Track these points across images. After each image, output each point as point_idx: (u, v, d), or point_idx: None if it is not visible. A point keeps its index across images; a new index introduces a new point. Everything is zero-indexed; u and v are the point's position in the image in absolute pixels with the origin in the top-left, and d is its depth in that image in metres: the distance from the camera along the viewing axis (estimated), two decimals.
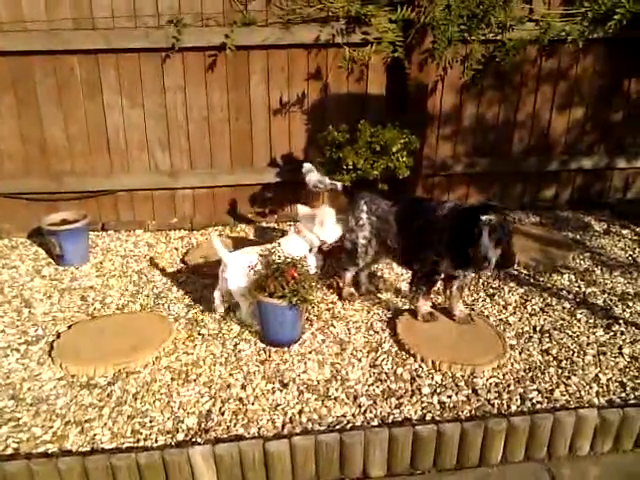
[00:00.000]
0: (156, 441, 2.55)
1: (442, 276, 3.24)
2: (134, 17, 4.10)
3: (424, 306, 3.30)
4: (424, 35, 4.17)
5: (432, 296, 3.38)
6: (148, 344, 3.10)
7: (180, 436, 2.58)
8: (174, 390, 2.84)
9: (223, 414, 2.69)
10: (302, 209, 3.57)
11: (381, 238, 3.40)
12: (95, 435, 2.58)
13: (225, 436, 2.57)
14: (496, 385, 2.88)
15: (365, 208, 3.41)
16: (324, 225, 3.44)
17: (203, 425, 2.63)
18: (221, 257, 3.29)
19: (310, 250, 3.46)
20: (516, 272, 3.79)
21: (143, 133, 4.37)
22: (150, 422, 2.65)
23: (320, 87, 4.43)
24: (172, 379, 2.91)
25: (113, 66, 4.20)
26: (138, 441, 2.55)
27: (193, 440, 2.55)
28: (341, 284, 3.61)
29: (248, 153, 4.52)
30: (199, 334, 3.24)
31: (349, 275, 3.58)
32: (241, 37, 4.12)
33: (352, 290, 3.59)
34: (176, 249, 4.20)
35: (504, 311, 3.47)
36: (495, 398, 2.80)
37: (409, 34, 4.11)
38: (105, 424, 2.64)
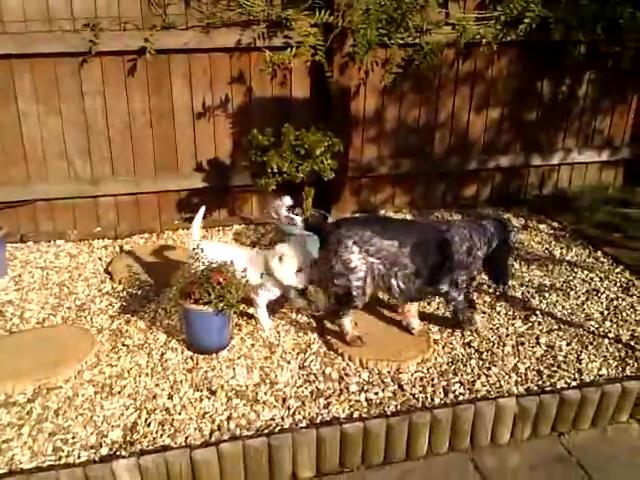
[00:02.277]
0: (79, 457, 2.48)
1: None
2: (48, 21, 3.97)
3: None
4: (344, 39, 4.23)
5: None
6: (70, 358, 3.01)
7: (104, 450, 2.51)
8: (98, 404, 2.76)
9: (149, 425, 2.64)
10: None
11: (381, 279, 3.05)
12: (14, 455, 2.48)
13: (151, 447, 2.52)
14: (421, 379, 2.96)
15: (356, 249, 2.97)
16: (282, 263, 3.15)
17: (128, 438, 2.57)
18: (191, 241, 3.30)
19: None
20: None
21: (61, 140, 4.24)
22: (72, 438, 2.57)
23: (244, 91, 4.42)
24: (95, 392, 2.83)
25: (27, 72, 4.05)
26: (60, 458, 2.47)
27: (118, 454, 2.49)
28: (344, 331, 3.17)
29: (173, 158, 4.45)
30: (124, 345, 3.16)
31: (348, 320, 3.16)
32: (161, 41, 4.06)
33: (357, 333, 3.17)
34: (100, 259, 4.08)
35: (428, 307, 3.56)
36: (420, 392, 2.87)
37: (330, 38, 4.17)
38: (25, 443, 2.54)
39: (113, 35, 4.03)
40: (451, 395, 2.85)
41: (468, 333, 3.31)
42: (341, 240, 2.98)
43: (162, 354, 3.10)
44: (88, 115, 4.23)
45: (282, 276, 3.18)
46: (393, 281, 3.04)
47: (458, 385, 2.92)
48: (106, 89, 4.20)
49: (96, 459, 2.46)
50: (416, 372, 3.01)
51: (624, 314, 3.54)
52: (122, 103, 4.25)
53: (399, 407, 2.78)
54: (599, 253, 4.25)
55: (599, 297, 3.71)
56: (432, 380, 2.96)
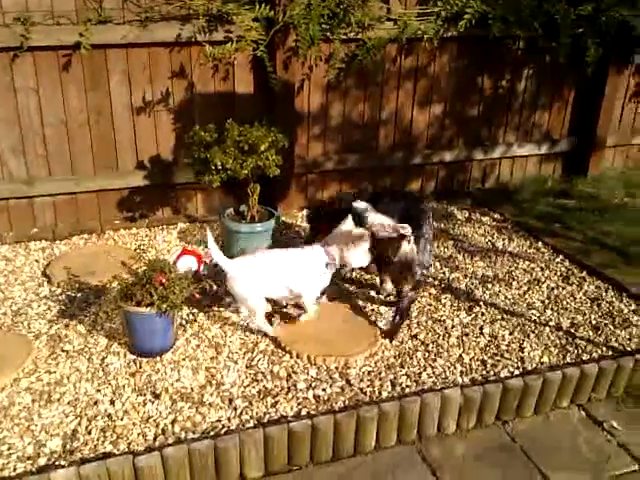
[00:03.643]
0: (15, 470, 2.38)
1: None
2: None
3: None
4: (287, 34, 4.19)
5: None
6: (5, 366, 2.88)
7: (42, 461, 2.42)
8: (35, 412, 2.65)
9: (90, 433, 2.55)
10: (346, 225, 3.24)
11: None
12: None
13: (92, 455, 2.44)
14: (368, 374, 2.97)
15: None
16: (357, 248, 3.16)
17: (68, 446, 2.48)
18: (219, 264, 3.13)
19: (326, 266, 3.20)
20: None
21: None
22: (8, 449, 2.46)
23: (185, 86, 4.33)
24: (33, 401, 2.72)
25: None
26: None
27: (57, 463, 2.40)
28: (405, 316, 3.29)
29: (112, 156, 4.32)
30: (63, 350, 3.05)
31: None
32: (97, 36, 3.92)
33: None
34: (37, 261, 3.92)
35: (375, 301, 3.57)
36: (367, 386, 2.88)
37: (271, 33, 4.12)
38: None
39: (46, 29, 3.86)
40: (398, 388, 2.88)
41: (415, 326, 3.34)
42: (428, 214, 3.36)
43: (103, 358, 3.01)
44: (21, 113, 4.05)
45: (354, 258, 3.17)
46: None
47: (405, 378, 2.94)
48: (40, 86, 4.03)
49: (33, 470, 2.37)
50: (364, 366, 3.01)
51: (564, 302, 3.64)
52: (57, 100, 4.09)
53: (347, 402, 2.78)
54: (540, 244, 4.36)
55: (540, 287, 3.80)
56: (379, 374, 2.97)
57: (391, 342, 3.18)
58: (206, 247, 3.88)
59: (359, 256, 3.18)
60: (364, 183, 3.92)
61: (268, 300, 3.21)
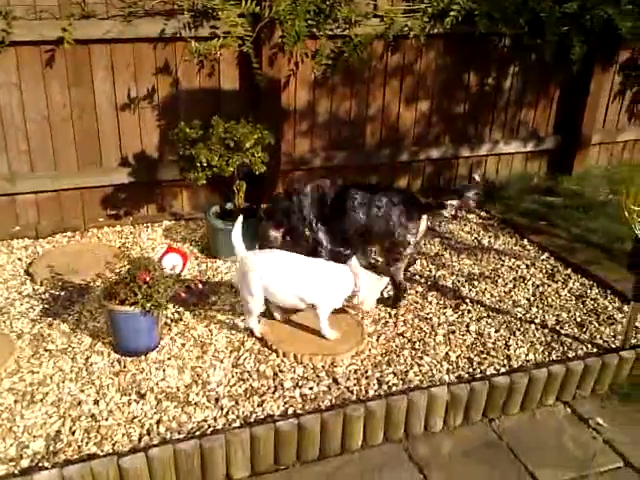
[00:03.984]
0: None
1: None
2: None
3: None
4: (273, 30, 4.17)
5: None
6: None
7: (25, 462, 2.39)
8: (18, 413, 2.62)
9: (74, 434, 2.52)
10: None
11: None
12: None
13: (76, 457, 2.41)
14: (355, 372, 2.96)
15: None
16: (372, 293, 3.16)
17: (51, 448, 2.45)
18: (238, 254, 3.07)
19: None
20: (372, 260, 3.90)
21: None
22: None
23: (170, 82, 4.28)
24: (15, 401, 2.68)
25: None
26: None
27: (40, 465, 2.37)
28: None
29: (96, 153, 4.26)
30: (46, 350, 3.01)
31: None
32: (80, 31, 3.87)
33: None
34: (19, 259, 3.87)
35: None
36: (354, 385, 2.87)
37: (257, 29, 4.09)
38: None
39: (28, 24, 3.80)
40: (385, 386, 2.87)
41: (401, 323, 3.34)
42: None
43: (87, 358, 2.97)
44: (3, 109, 3.98)
45: (368, 303, 3.17)
46: None
47: (392, 376, 2.94)
48: (22, 81, 3.97)
49: (16, 472, 2.34)
50: (350, 365, 3.00)
51: (549, 300, 3.66)
52: (40, 96, 4.03)
53: (334, 401, 2.77)
54: (525, 241, 4.38)
55: (526, 284, 3.82)
56: (366, 372, 2.96)
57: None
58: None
59: (372, 302, 3.20)
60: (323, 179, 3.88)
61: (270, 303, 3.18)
